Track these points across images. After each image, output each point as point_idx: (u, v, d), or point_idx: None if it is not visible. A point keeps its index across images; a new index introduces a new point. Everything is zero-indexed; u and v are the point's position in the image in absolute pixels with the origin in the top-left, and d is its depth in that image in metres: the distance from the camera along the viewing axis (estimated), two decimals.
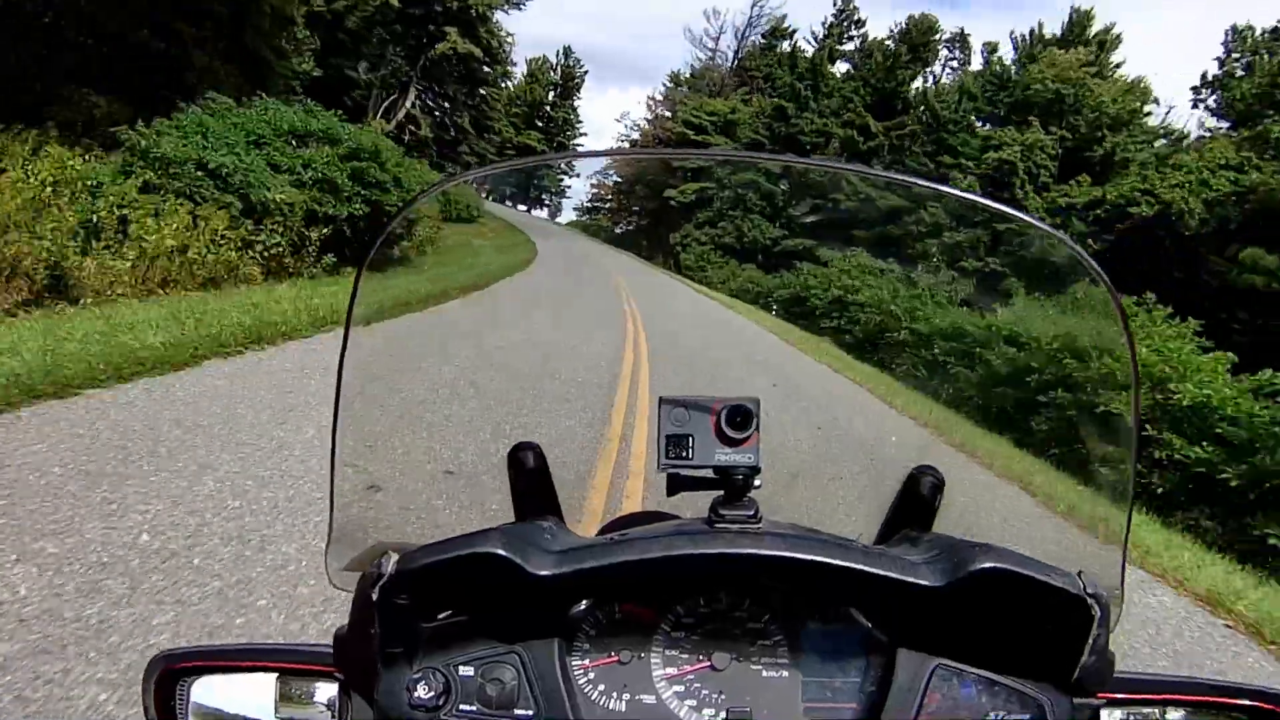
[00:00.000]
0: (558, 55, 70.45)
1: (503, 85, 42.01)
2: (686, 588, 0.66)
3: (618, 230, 52.94)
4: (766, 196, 36.43)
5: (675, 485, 0.68)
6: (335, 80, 26.22)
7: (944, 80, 44.05)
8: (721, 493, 0.66)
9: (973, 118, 37.99)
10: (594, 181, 56.81)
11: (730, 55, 51.28)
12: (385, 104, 32.13)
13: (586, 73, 70.49)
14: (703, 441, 0.66)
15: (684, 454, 0.66)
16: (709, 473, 0.66)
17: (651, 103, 54.75)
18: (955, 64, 46.26)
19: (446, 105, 36.61)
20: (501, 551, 0.58)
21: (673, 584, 0.66)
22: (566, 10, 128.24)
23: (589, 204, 56.89)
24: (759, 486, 0.67)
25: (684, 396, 0.66)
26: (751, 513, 0.65)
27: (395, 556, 0.60)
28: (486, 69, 36.81)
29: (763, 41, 49.45)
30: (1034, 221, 0.78)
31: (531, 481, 0.79)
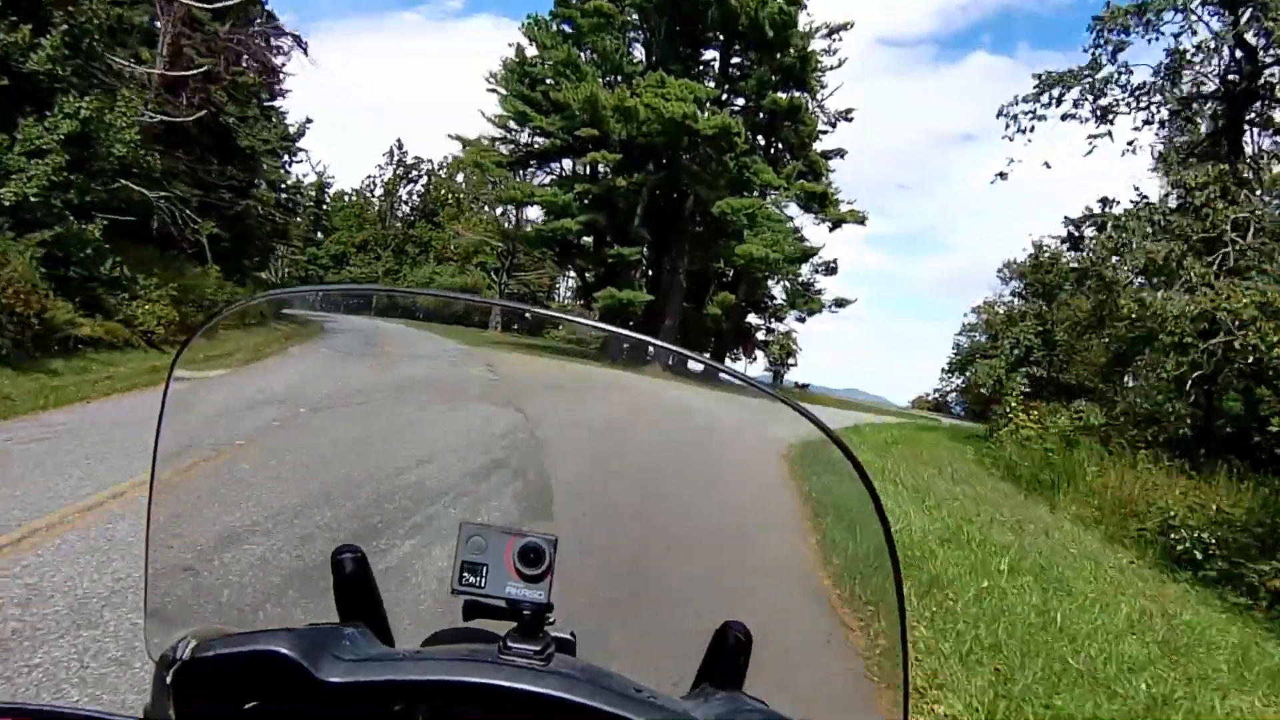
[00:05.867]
0: None
1: None
2: (486, 709, 0.64)
3: None
4: None
5: (471, 611, 0.68)
6: None
7: None
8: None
9: None
10: None
11: None
12: None
13: None
14: (496, 572, 0.66)
15: (479, 581, 0.66)
16: (502, 603, 0.66)
17: None
18: None
19: None
20: (287, 652, 0.59)
21: (470, 705, 0.64)
22: None
23: None
24: (553, 622, 0.67)
25: (484, 524, 0.67)
26: (539, 648, 0.63)
27: (193, 643, 0.61)
28: None
29: None
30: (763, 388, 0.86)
31: (352, 585, 0.78)
